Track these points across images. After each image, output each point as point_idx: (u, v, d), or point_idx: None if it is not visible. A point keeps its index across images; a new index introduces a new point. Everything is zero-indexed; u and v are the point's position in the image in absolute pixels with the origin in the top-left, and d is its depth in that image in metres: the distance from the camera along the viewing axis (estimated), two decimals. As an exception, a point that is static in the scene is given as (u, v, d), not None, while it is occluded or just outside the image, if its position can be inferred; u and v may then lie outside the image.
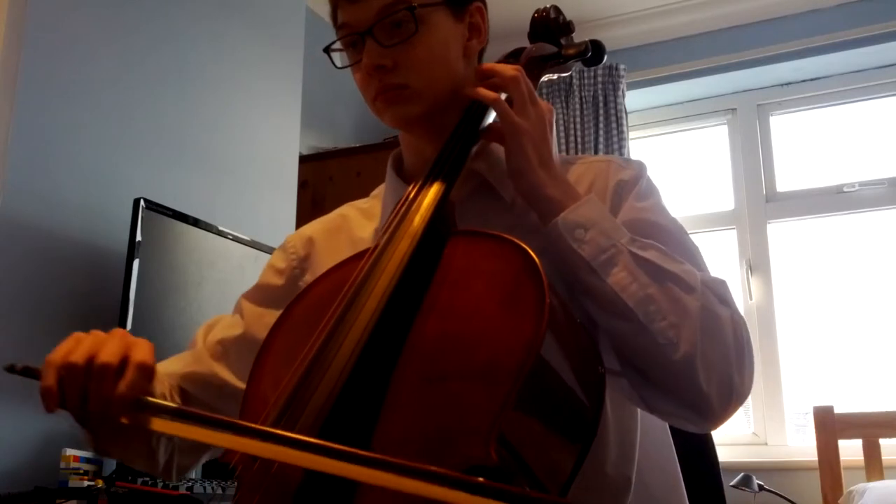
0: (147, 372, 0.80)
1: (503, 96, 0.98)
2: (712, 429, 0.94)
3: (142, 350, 0.82)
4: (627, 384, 0.92)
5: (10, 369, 0.82)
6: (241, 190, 2.76)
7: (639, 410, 0.99)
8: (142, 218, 2.13)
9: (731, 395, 0.89)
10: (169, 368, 1.06)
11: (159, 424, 0.77)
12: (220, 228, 2.41)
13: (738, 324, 0.91)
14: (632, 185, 1.02)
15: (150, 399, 0.78)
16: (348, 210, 1.17)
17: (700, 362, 0.86)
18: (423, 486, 0.63)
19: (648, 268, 0.89)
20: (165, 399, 0.95)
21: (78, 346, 0.80)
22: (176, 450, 1.01)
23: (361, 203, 1.17)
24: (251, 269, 2.45)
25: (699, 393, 0.87)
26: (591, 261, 0.89)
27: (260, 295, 1.12)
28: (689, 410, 0.90)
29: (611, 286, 0.88)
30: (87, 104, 2.26)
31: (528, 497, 0.62)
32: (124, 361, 0.80)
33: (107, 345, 0.80)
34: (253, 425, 0.75)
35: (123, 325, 2.05)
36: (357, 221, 1.13)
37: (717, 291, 0.92)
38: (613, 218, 0.94)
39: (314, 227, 1.17)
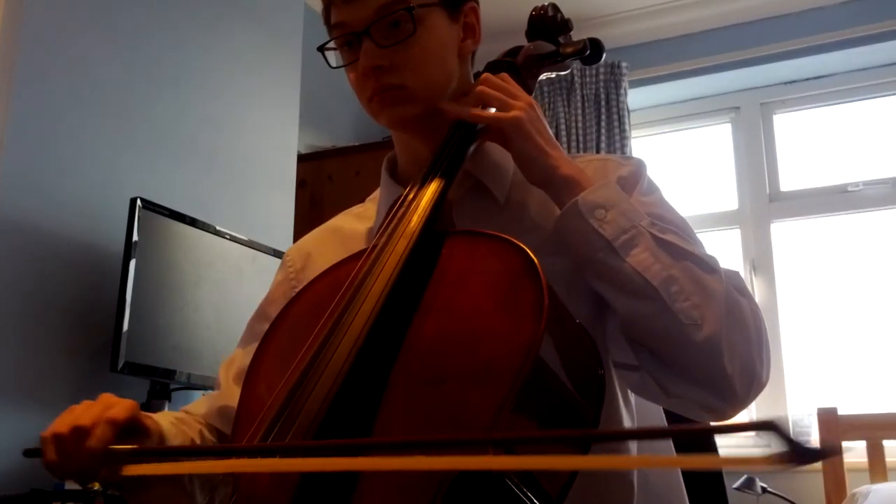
0: (116, 425, 0.85)
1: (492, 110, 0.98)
2: (732, 415, 0.92)
3: (117, 409, 0.86)
4: (641, 376, 0.91)
5: (27, 454, 0.89)
6: (238, 189, 2.75)
7: (635, 413, 0.98)
8: (139, 217, 2.12)
9: (752, 380, 0.88)
10: (198, 410, 1.07)
11: (134, 469, 0.78)
12: (218, 228, 2.40)
13: (756, 312, 0.91)
14: (634, 180, 1.01)
15: (116, 448, 0.81)
16: (343, 218, 1.17)
17: (724, 343, 0.86)
18: (426, 460, 0.61)
19: (670, 249, 0.89)
20: (195, 444, 0.99)
21: (66, 417, 0.87)
22: (217, 484, 1.00)
23: (356, 208, 1.17)
24: (249, 269, 2.44)
25: (723, 375, 0.86)
26: (612, 241, 0.88)
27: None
28: (710, 394, 0.88)
29: (633, 266, 0.87)
30: (84, 103, 2.25)
31: (538, 438, 0.59)
32: (96, 421, 0.85)
33: (88, 410, 0.86)
34: (230, 445, 0.78)
35: (120, 326, 2.04)
36: (352, 227, 1.13)
37: (734, 281, 0.92)
38: (631, 201, 0.93)
39: (310, 238, 1.17)
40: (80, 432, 0.84)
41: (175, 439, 0.94)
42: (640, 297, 0.87)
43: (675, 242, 0.89)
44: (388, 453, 0.64)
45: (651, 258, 0.87)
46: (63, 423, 0.86)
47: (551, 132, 0.98)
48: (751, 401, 0.90)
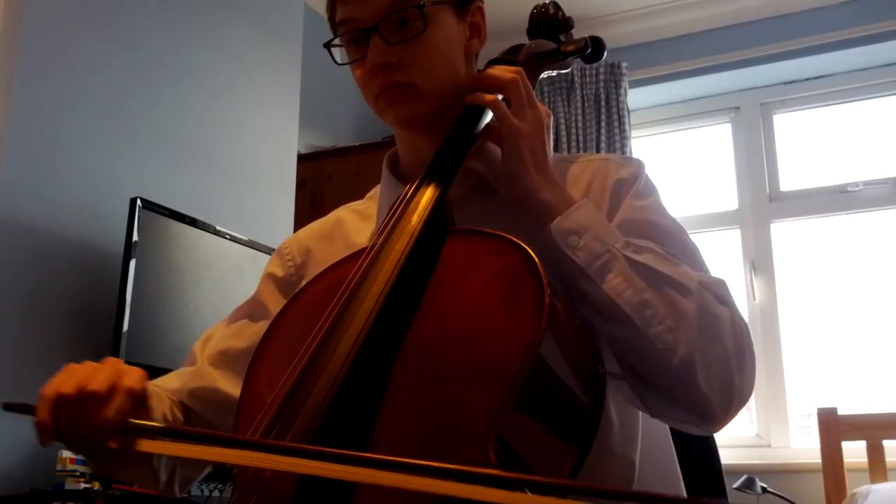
0: (135, 397, 0.81)
1: (500, 97, 0.97)
2: (714, 431, 0.93)
3: (131, 377, 0.82)
4: (629, 388, 0.91)
5: (7, 407, 0.83)
6: (238, 189, 2.74)
7: (640, 416, 0.97)
8: (139, 217, 2.12)
9: (731, 397, 0.88)
10: (169, 385, 1.04)
11: (148, 446, 0.77)
12: (218, 228, 2.40)
13: (737, 324, 0.90)
14: (630, 183, 1.00)
15: (138, 422, 0.79)
16: (344, 213, 1.15)
17: (699, 365, 0.85)
18: (422, 482, 0.61)
19: (644, 272, 0.88)
20: (167, 419, 0.96)
21: (70, 377, 0.81)
22: (178, 465, 0.99)
23: (357, 205, 1.15)
24: (249, 270, 2.43)
25: (699, 395, 0.86)
26: (585, 267, 0.88)
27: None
28: (690, 413, 0.89)
29: (606, 292, 0.87)
30: (84, 103, 2.25)
31: (533, 482, 0.60)
32: (112, 388, 0.80)
33: (97, 374, 0.81)
34: (242, 437, 0.75)
35: (119, 326, 2.04)
36: (353, 224, 1.12)
37: (716, 291, 0.90)
38: (607, 222, 0.93)
39: (311, 232, 1.15)
40: (93, 398, 0.78)
41: (151, 413, 0.91)
42: (616, 322, 0.87)
43: (650, 264, 0.88)
44: (384, 469, 0.64)
45: (624, 283, 0.87)
46: (68, 383, 0.79)
47: (550, 152, 0.97)
48: (731, 417, 0.89)
